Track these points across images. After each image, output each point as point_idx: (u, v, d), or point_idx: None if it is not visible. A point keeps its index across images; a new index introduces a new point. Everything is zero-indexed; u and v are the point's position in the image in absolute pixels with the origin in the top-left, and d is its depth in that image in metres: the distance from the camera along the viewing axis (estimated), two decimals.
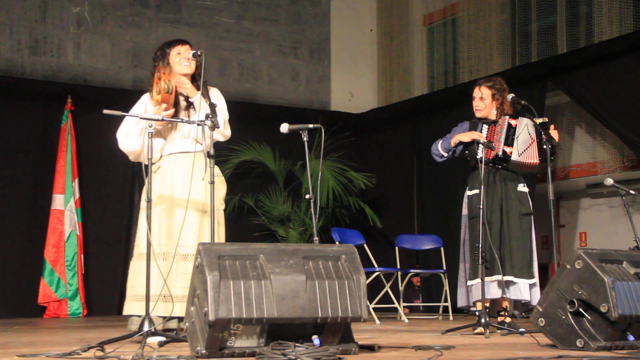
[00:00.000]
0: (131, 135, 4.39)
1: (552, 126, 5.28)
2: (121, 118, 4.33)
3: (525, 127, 5.23)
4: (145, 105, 4.48)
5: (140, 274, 4.17)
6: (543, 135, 5.08)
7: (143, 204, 4.37)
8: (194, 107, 4.45)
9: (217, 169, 4.35)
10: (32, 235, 8.31)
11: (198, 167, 4.26)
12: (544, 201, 4.94)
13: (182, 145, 4.44)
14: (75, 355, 3.28)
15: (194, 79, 4.49)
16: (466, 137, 5.28)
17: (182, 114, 4.41)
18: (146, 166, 4.32)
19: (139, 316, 4.14)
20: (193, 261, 4.07)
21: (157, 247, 4.29)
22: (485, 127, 5.29)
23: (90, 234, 8.56)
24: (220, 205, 4.50)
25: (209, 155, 4.04)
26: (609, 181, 5.44)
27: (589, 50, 7.94)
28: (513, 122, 5.23)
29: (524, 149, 5.23)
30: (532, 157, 5.26)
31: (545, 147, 5.02)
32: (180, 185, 4.36)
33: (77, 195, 8.42)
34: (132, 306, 4.31)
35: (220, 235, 4.45)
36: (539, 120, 5.22)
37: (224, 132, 4.43)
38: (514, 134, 5.21)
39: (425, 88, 10.44)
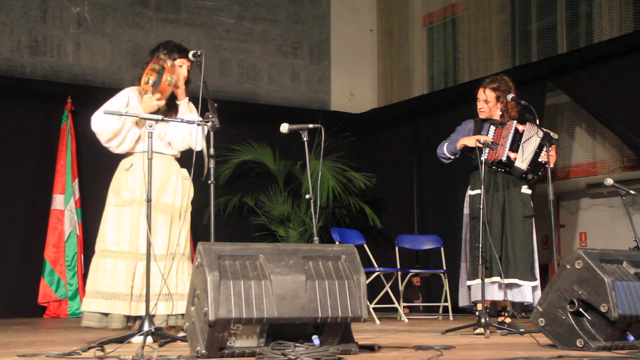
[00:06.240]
0: (109, 119, 4.27)
1: (553, 146, 5.24)
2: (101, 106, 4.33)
3: (535, 136, 5.17)
4: (127, 98, 4.39)
5: (104, 270, 4.23)
6: (544, 152, 5.08)
7: (110, 199, 4.43)
8: (175, 110, 4.44)
9: (184, 171, 4.43)
10: (32, 235, 8.31)
11: (168, 171, 4.39)
12: (544, 201, 4.94)
13: (156, 146, 4.35)
14: (75, 355, 3.28)
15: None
16: (471, 142, 5.17)
17: (161, 113, 4.30)
18: (133, 165, 4.41)
19: (101, 313, 4.19)
20: (163, 261, 4.17)
21: (128, 247, 4.27)
22: (492, 128, 5.22)
23: (90, 234, 8.51)
24: (188, 207, 4.49)
25: (209, 155, 4.05)
26: (609, 181, 5.44)
27: (589, 50, 7.94)
28: (520, 127, 5.18)
29: (528, 155, 5.20)
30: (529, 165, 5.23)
31: (540, 160, 5.00)
32: (154, 185, 4.31)
33: (77, 195, 8.42)
34: (89, 302, 4.25)
35: (187, 237, 4.45)
36: (552, 134, 5.18)
37: (201, 144, 4.29)
38: (520, 139, 5.17)
39: (425, 88, 10.43)
